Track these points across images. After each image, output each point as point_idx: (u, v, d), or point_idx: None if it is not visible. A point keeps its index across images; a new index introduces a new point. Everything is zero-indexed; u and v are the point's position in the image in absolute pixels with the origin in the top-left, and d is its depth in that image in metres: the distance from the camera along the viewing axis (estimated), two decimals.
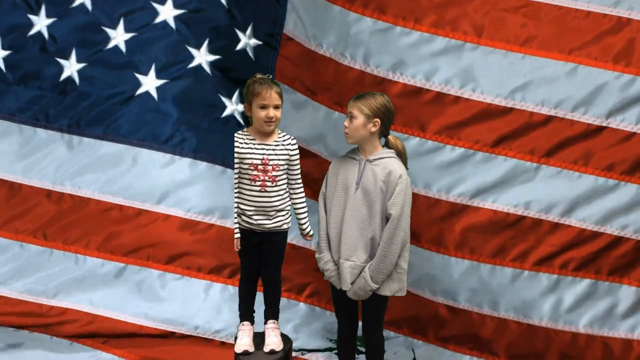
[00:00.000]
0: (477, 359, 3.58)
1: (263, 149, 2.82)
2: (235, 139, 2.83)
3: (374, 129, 2.78)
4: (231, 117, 3.84)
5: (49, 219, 3.88)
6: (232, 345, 3.00)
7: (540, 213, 3.49)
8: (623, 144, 3.42)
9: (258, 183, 2.80)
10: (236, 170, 2.82)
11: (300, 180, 2.93)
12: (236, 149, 2.80)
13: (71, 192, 3.89)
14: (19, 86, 3.96)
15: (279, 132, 2.89)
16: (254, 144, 2.82)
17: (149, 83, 3.86)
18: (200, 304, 3.77)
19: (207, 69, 3.81)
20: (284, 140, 2.86)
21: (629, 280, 3.50)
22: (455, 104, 3.52)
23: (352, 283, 2.79)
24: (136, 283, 3.80)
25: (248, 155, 2.80)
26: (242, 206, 2.84)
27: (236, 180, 2.84)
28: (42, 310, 3.72)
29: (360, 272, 2.78)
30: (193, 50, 3.83)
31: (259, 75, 2.85)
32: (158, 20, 3.87)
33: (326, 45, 3.65)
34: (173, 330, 3.69)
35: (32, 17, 3.93)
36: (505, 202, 3.51)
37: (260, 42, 3.82)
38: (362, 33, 3.56)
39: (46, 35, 3.90)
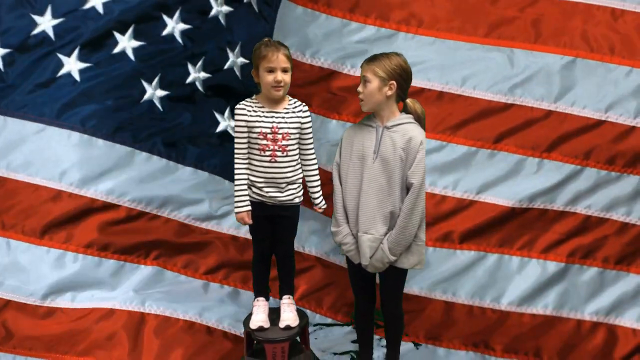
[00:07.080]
0: (473, 354, 3.43)
1: (272, 116, 2.66)
2: (242, 107, 2.66)
3: (390, 93, 2.60)
4: (224, 132, 3.68)
5: None
6: None
7: (545, 204, 3.41)
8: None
9: (268, 153, 2.66)
10: (244, 140, 2.66)
11: (313, 150, 2.78)
12: (243, 117, 2.64)
13: None
14: None
15: (290, 98, 2.72)
16: (262, 112, 2.66)
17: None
18: None
19: (199, 87, 3.60)
20: (295, 107, 2.70)
21: (636, 269, 3.43)
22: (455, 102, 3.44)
23: (371, 257, 2.66)
24: None
25: (257, 124, 2.64)
26: (251, 177, 2.70)
27: (243, 151, 2.68)
28: None
29: (379, 245, 2.65)
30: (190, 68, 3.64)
31: (266, 39, 2.69)
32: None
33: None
34: None
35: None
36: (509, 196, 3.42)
37: (247, 61, 3.65)
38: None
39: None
